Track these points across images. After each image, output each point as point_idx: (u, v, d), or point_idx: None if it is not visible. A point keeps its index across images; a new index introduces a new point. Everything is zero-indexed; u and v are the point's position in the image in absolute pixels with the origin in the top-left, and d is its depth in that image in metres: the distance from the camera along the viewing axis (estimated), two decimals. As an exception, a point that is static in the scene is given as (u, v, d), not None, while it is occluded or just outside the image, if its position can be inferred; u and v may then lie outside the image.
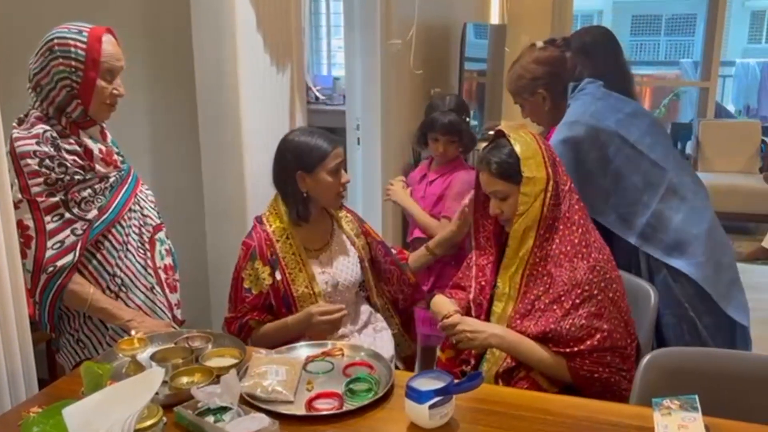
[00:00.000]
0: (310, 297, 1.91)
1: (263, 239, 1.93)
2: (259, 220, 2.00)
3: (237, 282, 1.95)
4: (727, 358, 1.60)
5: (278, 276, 1.91)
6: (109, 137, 1.85)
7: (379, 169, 3.45)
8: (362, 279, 2.05)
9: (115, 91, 1.74)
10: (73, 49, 1.67)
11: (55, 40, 1.67)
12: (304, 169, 1.92)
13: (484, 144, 1.85)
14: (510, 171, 1.69)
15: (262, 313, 1.94)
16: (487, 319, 1.79)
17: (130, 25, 2.57)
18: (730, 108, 7.12)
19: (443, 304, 1.85)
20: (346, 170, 2.00)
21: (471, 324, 1.72)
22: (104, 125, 1.82)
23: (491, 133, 1.87)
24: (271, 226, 1.96)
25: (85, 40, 1.67)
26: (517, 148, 1.68)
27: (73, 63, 1.67)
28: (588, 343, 1.62)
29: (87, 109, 1.71)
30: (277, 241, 1.94)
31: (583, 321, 1.62)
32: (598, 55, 2.46)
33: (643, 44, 12.30)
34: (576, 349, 1.62)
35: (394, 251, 2.14)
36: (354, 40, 3.40)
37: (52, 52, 1.67)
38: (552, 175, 1.69)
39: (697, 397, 1.36)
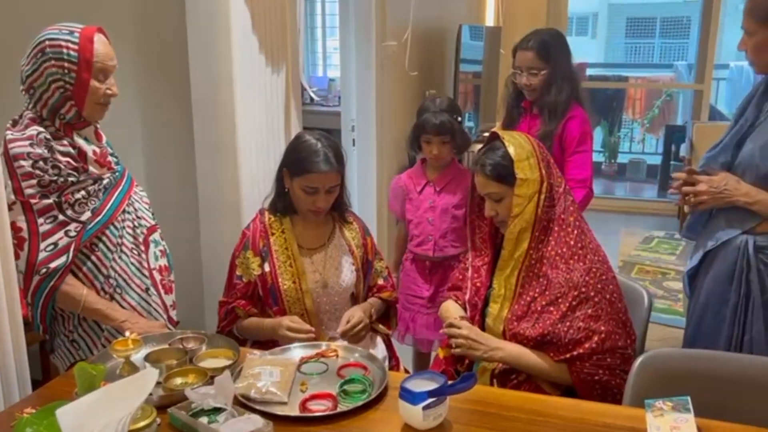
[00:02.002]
0: (297, 293, 1.93)
1: (258, 230, 1.98)
2: (261, 211, 2.04)
3: (231, 268, 2.00)
4: (719, 360, 1.61)
5: (267, 268, 1.93)
6: (104, 138, 1.84)
7: (374, 171, 3.45)
8: (354, 286, 2.04)
9: (108, 91, 1.73)
10: (65, 51, 1.66)
11: (47, 42, 1.66)
12: (288, 169, 1.96)
13: (479, 146, 1.85)
14: (504, 173, 1.69)
15: (250, 303, 1.96)
16: (483, 319, 1.80)
17: (124, 26, 2.57)
18: (724, 111, 7.14)
19: (453, 309, 1.86)
20: (328, 193, 1.92)
21: (477, 333, 1.73)
22: (98, 126, 1.81)
23: (486, 134, 1.87)
24: (269, 218, 1.99)
25: (76, 40, 1.67)
26: (511, 150, 1.69)
27: (66, 64, 1.66)
28: (586, 345, 1.62)
29: (81, 110, 1.71)
30: (272, 233, 1.96)
31: (581, 323, 1.63)
32: (556, 54, 2.50)
33: (638, 46, 12.33)
34: (575, 352, 1.63)
35: (382, 281, 2.13)
36: (349, 42, 3.40)
37: (44, 54, 1.66)
38: (546, 176, 1.69)
39: (689, 398, 1.37)
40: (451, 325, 1.76)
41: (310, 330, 1.83)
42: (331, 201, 1.96)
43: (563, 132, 2.53)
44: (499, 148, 1.72)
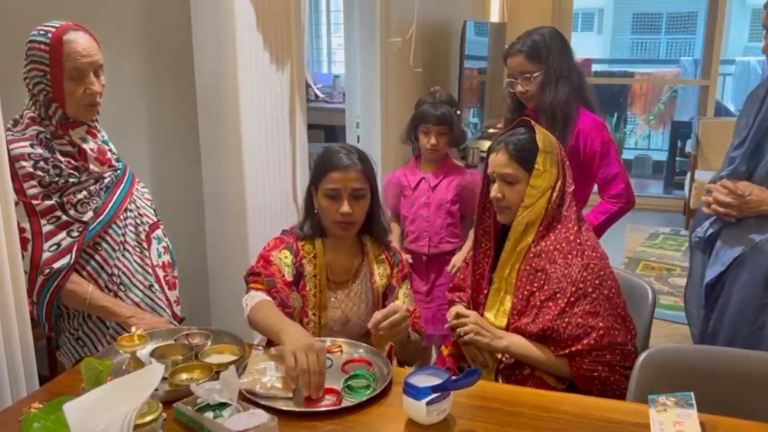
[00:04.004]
0: (315, 326, 1.80)
1: (297, 249, 1.83)
2: (289, 234, 1.87)
3: (265, 256, 1.81)
4: (722, 356, 1.61)
5: (299, 285, 1.80)
6: (100, 136, 1.83)
7: (378, 168, 3.45)
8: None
9: (87, 91, 1.68)
10: (38, 53, 1.64)
11: (28, 44, 1.66)
12: (314, 184, 1.83)
13: (483, 143, 1.85)
14: (527, 156, 1.69)
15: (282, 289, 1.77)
16: (482, 314, 1.79)
17: (130, 24, 2.58)
18: (730, 106, 7.12)
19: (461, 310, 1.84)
20: (353, 199, 1.76)
21: (483, 322, 1.73)
22: (91, 125, 1.78)
23: (491, 131, 1.87)
24: (301, 241, 1.85)
25: (48, 41, 1.64)
26: (539, 138, 1.70)
27: (41, 67, 1.65)
28: (585, 342, 1.63)
29: (65, 110, 1.70)
30: (304, 257, 1.83)
31: (579, 320, 1.63)
32: (549, 53, 2.29)
33: (644, 42, 12.28)
34: (574, 348, 1.63)
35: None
36: (354, 38, 3.41)
37: (27, 57, 1.66)
38: (561, 175, 1.70)
39: (692, 394, 1.37)
40: (458, 315, 1.75)
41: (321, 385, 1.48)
42: (360, 213, 1.78)
43: (579, 146, 2.29)
44: (525, 133, 1.72)
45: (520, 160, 1.70)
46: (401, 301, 1.86)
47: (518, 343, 1.69)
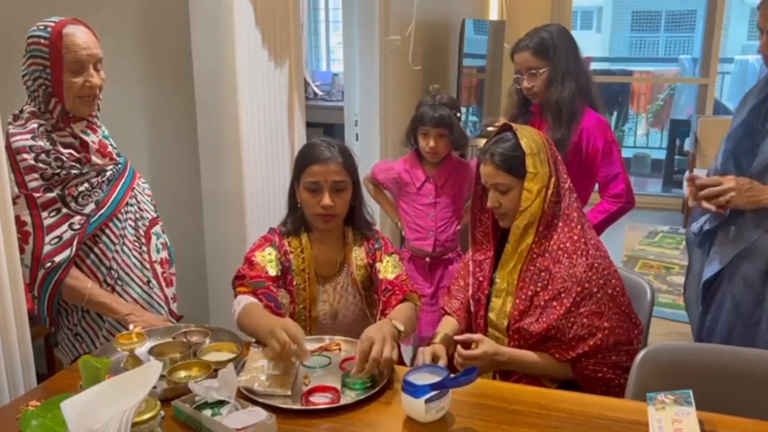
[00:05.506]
0: (305, 320, 1.83)
1: (281, 245, 1.85)
2: (274, 231, 1.89)
3: (248, 257, 1.82)
4: (721, 354, 1.61)
5: (287, 279, 1.83)
6: (101, 131, 1.83)
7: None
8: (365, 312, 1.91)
9: (87, 83, 1.69)
10: (38, 48, 1.66)
11: (28, 40, 1.67)
12: (295, 178, 1.85)
13: (482, 141, 1.85)
14: (515, 164, 1.68)
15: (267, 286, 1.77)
16: (486, 315, 1.79)
17: (128, 22, 2.58)
18: (729, 105, 7.11)
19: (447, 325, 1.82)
20: (334, 192, 1.78)
21: (492, 350, 1.67)
22: (91, 120, 1.78)
23: (490, 128, 1.86)
24: (287, 236, 1.87)
25: (48, 36, 1.65)
26: (524, 143, 1.69)
27: (40, 61, 1.66)
28: (591, 342, 1.63)
29: (64, 105, 1.70)
30: (291, 252, 1.85)
31: (585, 320, 1.63)
32: (555, 50, 2.30)
33: (643, 40, 12.28)
34: (580, 350, 1.63)
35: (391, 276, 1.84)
36: (353, 36, 3.40)
37: (27, 53, 1.67)
38: (554, 172, 1.69)
39: (691, 392, 1.37)
40: (469, 358, 1.66)
41: (305, 352, 1.51)
42: (341, 206, 1.80)
43: (582, 145, 2.29)
44: (509, 139, 1.71)
45: (507, 168, 1.69)
46: (388, 271, 1.84)
47: (515, 356, 1.67)
